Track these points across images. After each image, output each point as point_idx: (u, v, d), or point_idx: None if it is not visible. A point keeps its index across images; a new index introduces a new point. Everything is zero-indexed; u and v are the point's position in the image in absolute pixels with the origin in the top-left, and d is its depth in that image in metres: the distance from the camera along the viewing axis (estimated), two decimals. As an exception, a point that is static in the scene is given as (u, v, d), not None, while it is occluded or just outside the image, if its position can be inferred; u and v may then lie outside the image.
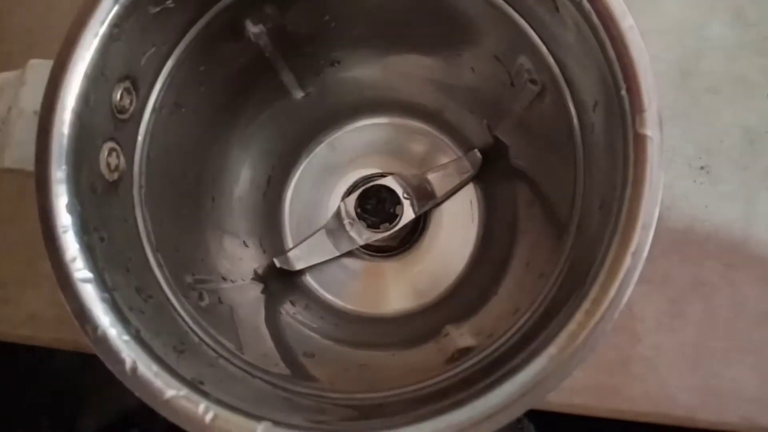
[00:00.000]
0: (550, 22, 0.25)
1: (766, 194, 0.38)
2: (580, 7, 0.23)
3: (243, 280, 0.33)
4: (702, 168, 0.39)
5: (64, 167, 0.23)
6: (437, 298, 0.37)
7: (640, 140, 0.22)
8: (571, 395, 0.36)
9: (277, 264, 0.36)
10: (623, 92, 0.23)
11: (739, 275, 0.37)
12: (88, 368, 0.55)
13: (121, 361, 0.22)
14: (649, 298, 0.37)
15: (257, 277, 0.35)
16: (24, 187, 0.41)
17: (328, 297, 0.37)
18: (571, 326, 0.22)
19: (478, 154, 0.36)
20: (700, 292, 0.37)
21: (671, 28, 0.40)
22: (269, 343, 0.31)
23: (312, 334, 0.34)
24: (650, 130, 0.22)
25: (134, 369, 0.22)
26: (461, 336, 0.30)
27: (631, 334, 0.37)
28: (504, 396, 0.21)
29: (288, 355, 0.31)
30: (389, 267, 0.38)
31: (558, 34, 0.25)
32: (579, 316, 0.22)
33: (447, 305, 0.36)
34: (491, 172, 0.36)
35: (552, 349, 0.22)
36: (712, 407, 0.36)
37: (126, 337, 0.23)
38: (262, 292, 0.34)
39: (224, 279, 0.31)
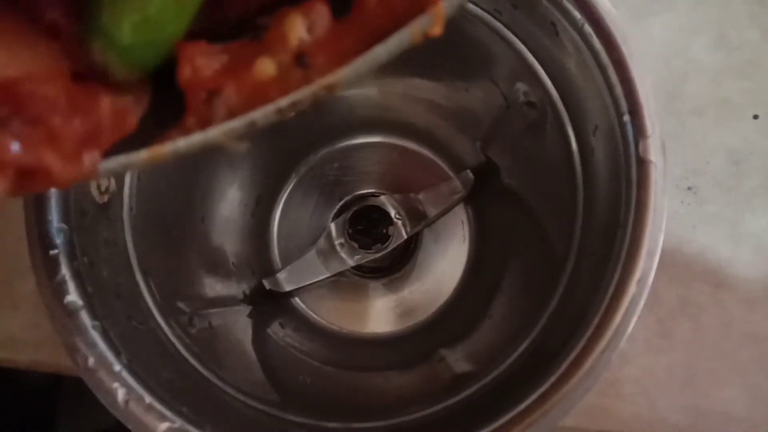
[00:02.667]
0: (550, 46, 0.25)
1: (751, 215, 0.38)
2: (581, 32, 0.23)
3: (232, 303, 0.32)
4: (689, 189, 0.39)
5: (53, 189, 0.22)
6: (429, 320, 0.36)
7: (643, 166, 0.22)
8: (564, 416, 0.36)
9: (267, 285, 0.35)
10: (626, 117, 0.23)
11: (726, 296, 0.37)
12: (63, 387, 0.54)
13: (112, 393, 0.22)
14: (638, 319, 0.37)
15: (246, 299, 0.34)
16: (4, 206, 0.39)
17: (318, 318, 0.36)
18: (574, 354, 0.22)
19: (470, 175, 0.36)
20: (688, 312, 0.37)
21: (657, 51, 0.40)
22: (259, 370, 0.30)
23: (302, 357, 0.33)
24: (654, 155, 0.22)
25: (126, 401, 0.21)
26: (457, 361, 0.29)
27: (620, 354, 0.37)
28: (509, 427, 0.21)
29: (279, 381, 0.30)
30: (380, 287, 0.38)
31: (558, 58, 0.25)
32: (582, 342, 0.22)
33: (439, 327, 0.35)
34: (484, 193, 0.36)
35: (554, 378, 0.22)
36: (701, 427, 0.36)
37: (117, 368, 0.22)
38: (251, 315, 0.33)
39: (213, 302, 0.31)
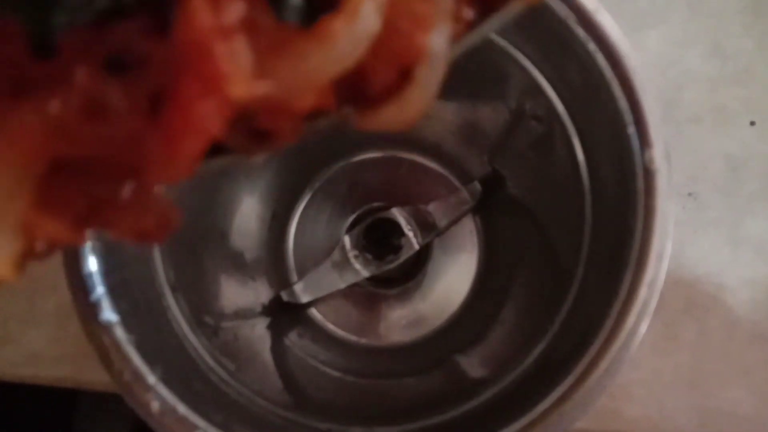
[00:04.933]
0: (556, 63, 0.26)
1: (751, 219, 0.39)
2: (585, 50, 0.24)
3: (252, 315, 0.33)
4: (689, 194, 0.40)
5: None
6: (441, 327, 0.37)
7: (649, 174, 0.23)
8: (574, 419, 0.37)
9: (284, 297, 0.36)
10: (630, 129, 0.24)
11: (730, 297, 0.38)
12: (77, 405, 0.54)
13: (146, 404, 0.22)
14: (644, 322, 0.38)
15: (264, 311, 0.35)
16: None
17: (334, 329, 0.37)
18: (589, 357, 0.23)
19: (478, 186, 0.37)
20: (693, 314, 0.38)
21: (653, 61, 0.41)
22: (280, 379, 0.31)
23: (322, 366, 0.34)
24: (658, 164, 0.23)
25: (162, 412, 0.22)
26: (472, 366, 0.30)
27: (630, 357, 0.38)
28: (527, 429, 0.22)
29: (300, 389, 0.31)
30: (393, 297, 0.39)
31: (563, 74, 0.26)
32: (597, 345, 0.23)
33: (452, 334, 0.36)
34: (491, 203, 0.37)
35: (571, 380, 0.23)
36: (709, 428, 0.37)
37: (152, 380, 0.23)
38: (269, 326, 0.34)
39: (235, 315, 0.32)
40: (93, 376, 0.39)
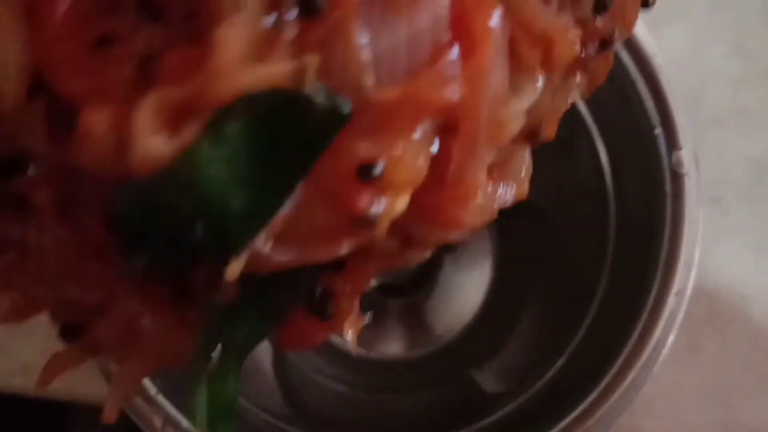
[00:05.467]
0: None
1: (775, 225, 0.38)
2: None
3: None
4: (712, 199, 0.39)
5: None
6: (453, 339, 0.36)
7: (677, 178, 0.22)
8: (593, 434, 0.36)
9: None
10: (657, 131, 0.23)
11: (753, 307, 0.37)
12: (67, 417, 0.53)
13: (149, 418, 0.21)
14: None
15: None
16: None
17: (340, 342, 0.36)
18: (615, 369, 0.22)
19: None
20: (715, 326, 0.37)
21: (674, 60, 0.40)
22: (281, 392, 0.30)
23: (325, 380, 0.33)
24: (687, 168, 0.22)
25: (163, 427, 0.21)
26: (487, 381, 0.29)
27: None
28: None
29: (302, 403, 0.30)
30: (402, 308, 0.37)
31: (585, 72, 0.25)
32: (623, 356, 0.22)
33: (465, 346, 0.35)
34: (506, 209, 0.36)
35: (595, 395, 0.21)
36: (732, 442, 0.36)
37: (153, 391, 0.22)
38: (271, 338, 0.33)
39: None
40: (86, 389, 0.38)
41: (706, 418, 0.36)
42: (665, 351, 0.21)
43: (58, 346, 0.39)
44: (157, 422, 0.21)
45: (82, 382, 0.37)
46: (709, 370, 0.36)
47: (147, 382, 0.22)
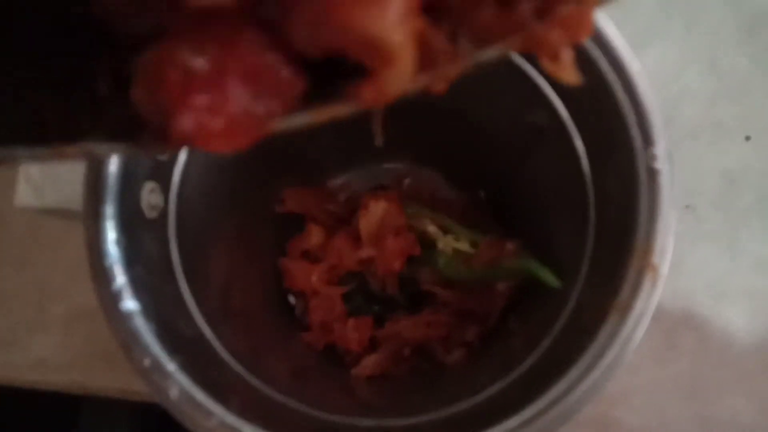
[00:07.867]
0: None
1: (747, 231, 0.40)
2: (588, 56, 0.26)
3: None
4: (687, 207, 0.41)
5: (112, 203, 0.24)
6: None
7: (652, 174, 0.24)
8: (576, 427, 0.37)
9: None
10: (633, 131, 0.25)
11: (728, 307, 0.38)
12: (81, 411, 0.54)
13: (166, 389, 0.23)
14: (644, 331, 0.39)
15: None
16: (36, 230, 0.41)
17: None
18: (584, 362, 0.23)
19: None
20: (692, 323, 0.39)
21: (651, 79, 0.42)
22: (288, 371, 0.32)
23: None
24: (660, 163, 0.24)
25: (179, 397, 0.23)
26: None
27: (629, 366, 0.39)
28: (541, 408, 0.22)
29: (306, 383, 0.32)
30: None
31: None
32: (596, 345, 0.23)
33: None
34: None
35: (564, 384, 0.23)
36: (709, 436, 0.37)
37: (171, 367, 0.23)
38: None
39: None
40: (101, 382, 0.39)
41: (683, 411, 0.37)
42: (635, 344, 0.23)
43: (74, 343, 0.41)
44: (173, 395, 0.23)
45: (96, 377, 0.39)
46: (686, 366, 0.38)
47: (165, 358, 0.23)
